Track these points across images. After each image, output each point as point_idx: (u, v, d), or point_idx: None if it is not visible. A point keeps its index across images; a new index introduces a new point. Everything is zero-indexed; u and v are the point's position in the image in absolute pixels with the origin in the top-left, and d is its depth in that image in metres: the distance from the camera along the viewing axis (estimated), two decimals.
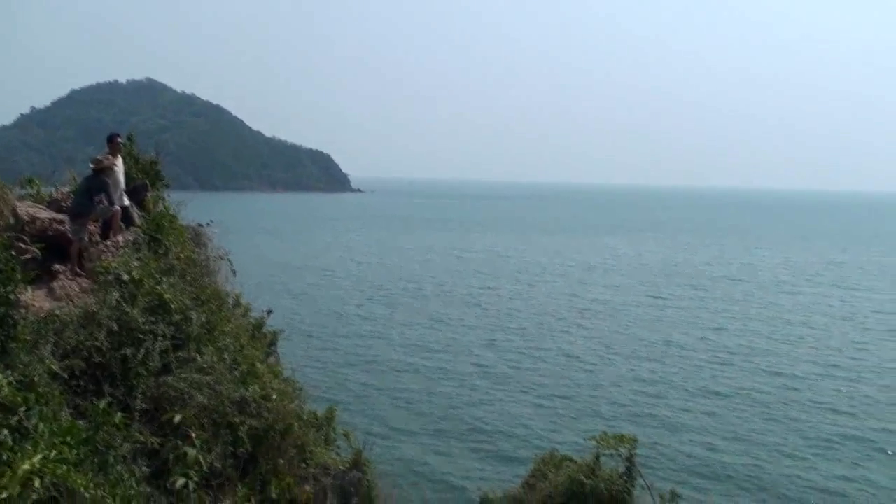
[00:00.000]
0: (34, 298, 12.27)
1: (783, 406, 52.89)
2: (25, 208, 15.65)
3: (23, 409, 8.62)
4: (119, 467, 8.82)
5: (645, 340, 72.85)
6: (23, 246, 13.90)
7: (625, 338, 73.62)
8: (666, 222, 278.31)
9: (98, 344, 10.80)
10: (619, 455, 19.67)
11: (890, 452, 44.77)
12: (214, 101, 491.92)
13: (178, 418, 10.24)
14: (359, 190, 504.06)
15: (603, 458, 19.73)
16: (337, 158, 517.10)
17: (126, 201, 18.18)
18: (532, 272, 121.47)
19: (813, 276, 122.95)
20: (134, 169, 19.61)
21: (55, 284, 13.84)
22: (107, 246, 15.84)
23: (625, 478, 19.46)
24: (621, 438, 19.76)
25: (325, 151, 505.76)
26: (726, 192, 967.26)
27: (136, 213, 18.25)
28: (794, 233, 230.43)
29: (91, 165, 17.08)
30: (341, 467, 12.32)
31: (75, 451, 8.62)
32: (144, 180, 19.70)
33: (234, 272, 18.26)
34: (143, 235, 16.11)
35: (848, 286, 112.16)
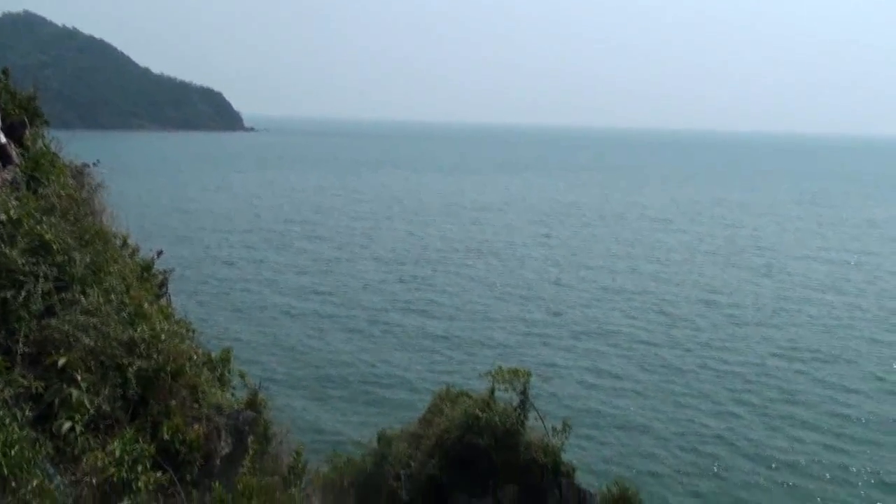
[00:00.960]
0: None
1: (665, 343, 54.92)
2: None
3: None
4: (0, 412, 8.50)
5: (535, 279, 74.26)
6: None
7: (515, 278, 74.80)
8: (571, 162, 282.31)
9: None
10: (514, 389, 20.05)
11: (761, 383, 47.19)
12: (98, 36, 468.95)
13: (62, 361, 9.89)
14: (252, 129, 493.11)
15: (498, 393, 20.09)
16: (229, 96, 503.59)
17: (2, 139, 17.27)
18: (425, 212, 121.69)
19: (696, 215, 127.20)
20: (11, 105, 18.59)
21: None
22: None
23: (519, 410, 19.88)
24: (516, 373, 20.12)
25: (216, 89, 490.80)
26: (660, 133, 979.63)
27: (13, 151, 17.36)
28: (688, 172, 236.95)
29: None
30: (236, 407, 12.19)
31: None
32: (22, 117, 18.72)
33: (119, 212, 17.65)
34: (21, 174, 15.36)
35: (730, 224, 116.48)
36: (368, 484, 19.36)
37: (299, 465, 15.57)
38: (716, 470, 35.72)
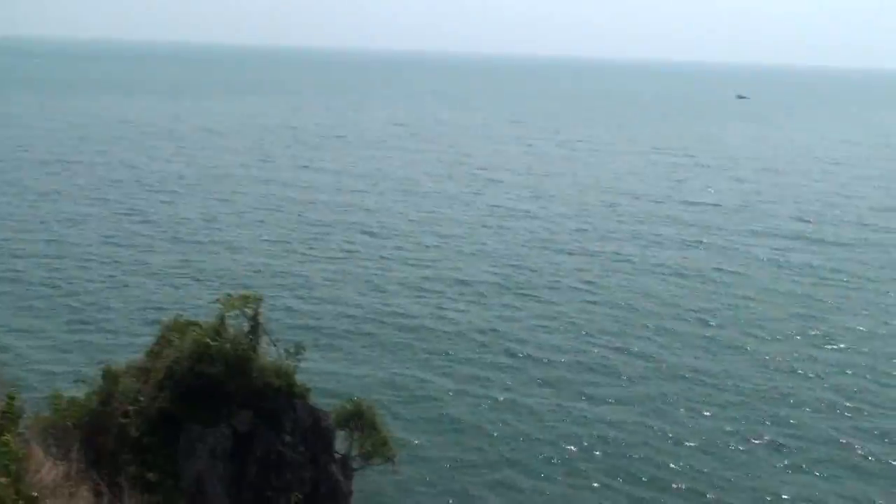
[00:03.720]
0: None
1: (380, 260, 56.68)
2: None
3: None
4: None
5: (259, 202, 73.43)
6: None
7: (238, 201, 73.48)
8: (301, 83, 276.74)
9: None
10: (245, 315, 19.93)
11: (469, 301, 50.10)
12: None
13: None
14: None
15: (229, 319, 19.88)
16: None
17: None
18: (137, 138, 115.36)
19: (419, 134, 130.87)
20: None
21: None
22: None
23: (250, 336, 19.82)
24: (246, 298, 20.00)
25: None
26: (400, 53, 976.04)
27: None
28: (419, 94, 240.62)
29: None
30: None
31: None
32: None
33: None
34: None
35: (449, 144, 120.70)
36: (95, 423, 18.56)
37: (14, 410, 14.62)
38: (438, 384, 37.67)
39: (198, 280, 50.62)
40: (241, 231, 63.04)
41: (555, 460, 31.02)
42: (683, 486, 29.50)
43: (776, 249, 62.52)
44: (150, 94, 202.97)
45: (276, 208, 71.68)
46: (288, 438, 20.23)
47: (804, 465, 31.06)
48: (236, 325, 20.13)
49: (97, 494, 16.63)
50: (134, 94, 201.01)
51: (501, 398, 35.86)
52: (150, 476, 18.09)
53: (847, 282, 54.54)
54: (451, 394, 36.12)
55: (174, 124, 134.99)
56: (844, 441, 32.99)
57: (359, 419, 21.33)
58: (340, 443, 21.38)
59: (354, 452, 21.52)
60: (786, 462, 31.32)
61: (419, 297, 49.16)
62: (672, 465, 30.82)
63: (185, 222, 65.06)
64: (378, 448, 21.29)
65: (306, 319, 44.13)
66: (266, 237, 61.44)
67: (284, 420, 20.33)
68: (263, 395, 19.94)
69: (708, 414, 34.98)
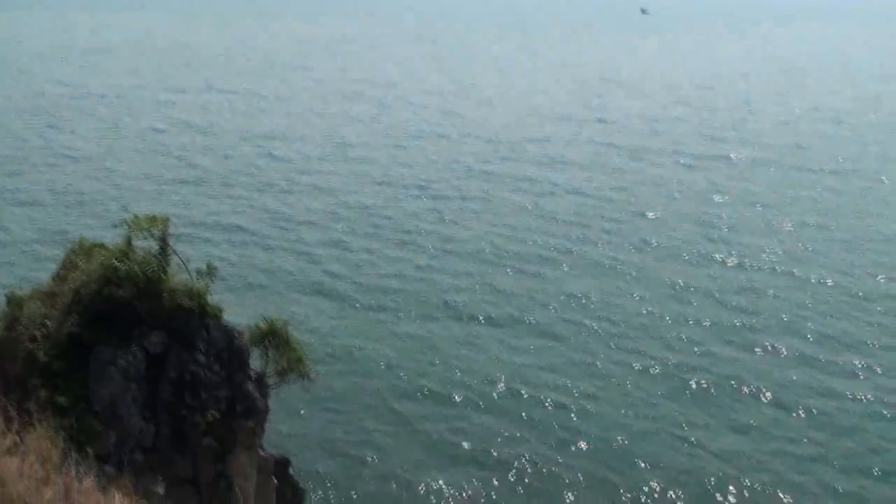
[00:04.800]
0: None
1: (283, 186, 56.33)
2: None
3: None
4: None
5: (156, 126, 71.66)
6: None
7: (133, 126, 71.59)
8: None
9: None
10: (153, 236, 19.54)
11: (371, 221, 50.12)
12: None
13: None
14: None
15: (137, 242, 19.49)
16: None
17: None
18: (25, 58, 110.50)
19: (329, 56, 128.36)
20: None
21: None
22: None
23: (159, 258, 19.47)
24: (154, 220, 19.55)
25: None
26: None
27: None
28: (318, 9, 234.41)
29: None
30: None
31: None
32: None
33: None
34: None
35: (343, 63, 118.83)
36: (1, 350, 18.13)
37: None
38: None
39: (95, 210, 49.17)
40: (138, 157, 61.36)
41: (452, 392, 31.31)
42: (575, 409, 30.22)
43: (683, 166, 63.87)
44: (40, 8, 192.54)
45: (175, 132, 69.87)
46: (202, 358, 20.11)
47: (706, 389, 31.97)
48: (145, 246, 19.73)
49: (7, 420, 16.37)
50: (24, 8, 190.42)
51: (402, 330, 36.01)
52: (62, 400, 17.81)
53: (746, 200, 55.98)
54: (351, 328, 36.11)
55: (65, 41, 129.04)
56: (741, 361, 34.11)
57: (273, 337, 21.25)
58: (256, 361, 21.37)
59: (270, 370, 21.53)
60: (686, 389, 32.14)
61: (322, 227, 48.69)
62: (569, 400, 31.25)
63: (78, 149, 62.95)
64: (294, 364, 21.31)
65: (206, 249, 43.10)
66: (164, 163, 59.93)
67: (198, 340, 20.17)
68: (175, 317, 19.71)
69: (605, 340, 35.62)
